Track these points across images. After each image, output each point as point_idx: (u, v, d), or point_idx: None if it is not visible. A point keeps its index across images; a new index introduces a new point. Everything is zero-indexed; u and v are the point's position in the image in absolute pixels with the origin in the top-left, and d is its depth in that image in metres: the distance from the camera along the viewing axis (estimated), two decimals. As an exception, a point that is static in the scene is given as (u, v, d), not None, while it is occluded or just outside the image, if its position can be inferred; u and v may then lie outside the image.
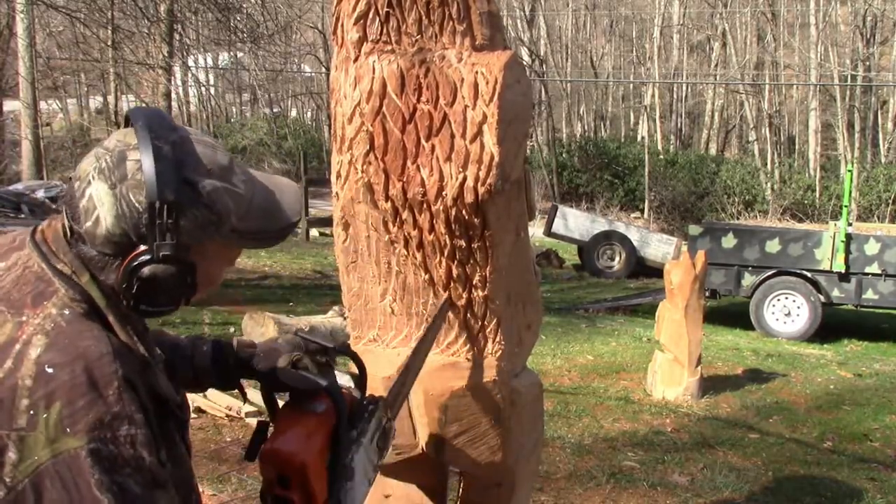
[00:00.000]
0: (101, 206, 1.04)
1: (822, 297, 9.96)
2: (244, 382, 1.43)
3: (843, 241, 9.77)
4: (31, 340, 1.00)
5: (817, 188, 23.41)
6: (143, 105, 1.21)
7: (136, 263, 1.05)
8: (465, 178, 1.57)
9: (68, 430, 0.96)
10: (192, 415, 4.00)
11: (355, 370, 1.40)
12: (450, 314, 1.80)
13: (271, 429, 1.23)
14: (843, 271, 9.81)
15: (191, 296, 1.11)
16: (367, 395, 1.35)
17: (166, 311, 1.10)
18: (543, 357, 6.86)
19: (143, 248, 1.05)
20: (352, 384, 1.42)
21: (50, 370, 0.98)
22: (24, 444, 0.96)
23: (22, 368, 0.98)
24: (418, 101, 1.57)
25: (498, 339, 1.81)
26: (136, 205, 1.04)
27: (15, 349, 1.00)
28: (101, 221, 1.04)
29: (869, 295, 9.85)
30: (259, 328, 6.12)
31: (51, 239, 1.11)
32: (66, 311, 1.04)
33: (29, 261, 1.09)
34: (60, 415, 0.96)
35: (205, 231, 1.08)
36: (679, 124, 33.91)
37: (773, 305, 10.15)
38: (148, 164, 1.03)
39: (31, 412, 0.96)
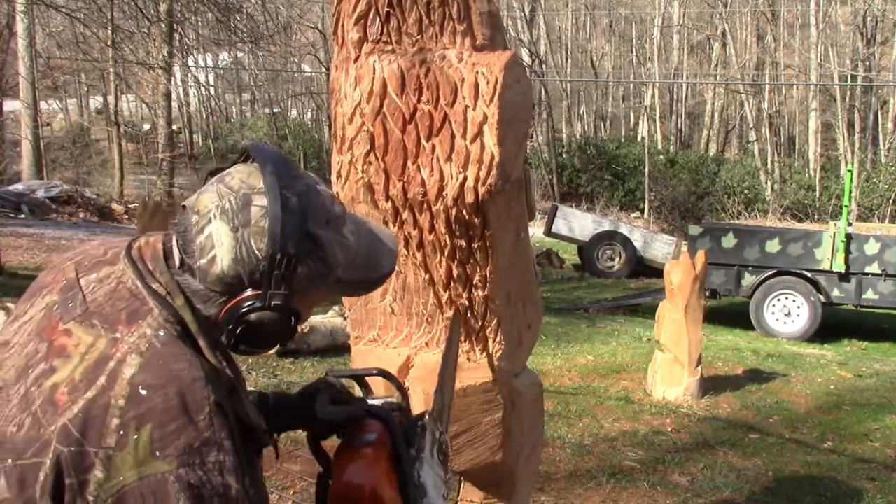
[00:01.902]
0: (219, 246, 1.04)
1: (822, 297, 9.96)
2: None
3: (843, 241, 9.77)
4: (126, 359, 1.00)
5: (817, 188, 23.41)
6: (264, 143, 1.23)
7: (245, 308, 1.06)
8: (465, 178, 1.57)
9: (157, 453, 0.96)
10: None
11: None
12: (450, 313, 1.80)
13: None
14: (843, 271, 9.82)
15: (288, 341, 1.12)
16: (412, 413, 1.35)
17: (261, 352, 1.12)
18: (543, 357, 6.86)
19: (251, 292, 1.06)
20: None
21: (143, 392, 0.98)
22: (111, 463, 0.95)
23: (115, 387, 0.98)
24: (419, 101, 1.57)
25: (498, 338, 1.81)
26: (257, 252, 1.04)
27: (109, 366, 1.00)
28: (218, 262, 1.04)
29: (869, 295, 9.85)
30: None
31: (148, 257, 1.11)
32: (161, 333, 1.04)
33: (123, 276, 1.09)
34: (151, 437, 0.96)
35: (313, 282, 1.10)
36: (679, 124, 33.91)
37: (773, 305, 10.15)
38: (275, 214, 1.03)
39: (122, 432, 0.96)
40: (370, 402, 1.29)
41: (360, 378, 1.36)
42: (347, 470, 1.17)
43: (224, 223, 1.04)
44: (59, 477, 0.95)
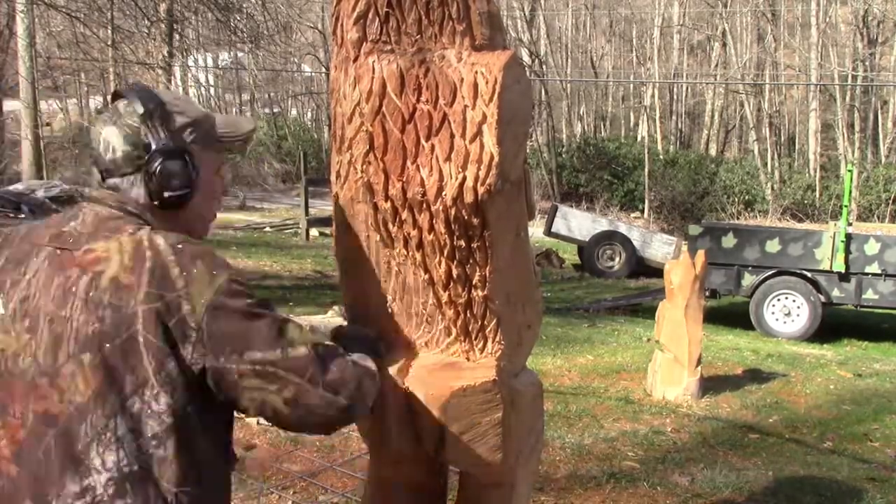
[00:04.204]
0: (112, 137, 1.38)
1: (822, 297, 9.96)
2: None
3: (843, 241, 9.78)
4: (152, 238, 1.32)
5: (817, 188, 23.42)
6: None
7: (148, 161, 1.37)
8: (464, 178, 1.57)
9: (215, 272, 1.31)
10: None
11: None
12: (449, 313, 1.80)
13: None
14: (843, 271, 9.82)
15: (196, 179, 1.40)
16: None
17: (185, 195, 1.39)
18: (543, 357, 6.86)
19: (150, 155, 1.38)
20: None
21: (180, 246, 1.32)
22: (190, 295, 1.28)
23: (161, 253, 1.30)
24: (418, 100, 1.57)
25: (498, 338, 1.81)
26: (134, 123, 1.38)
27: (144, 245, 1.30)
28: (117, 147, 1.38)
29: (869, 295, 9.86)
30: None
31: (109, 200, 1.38)
32: (152, 230, 1.36)
33: (96, 209, 1.36)
34: (206, 265, 1.31)
35: (188, 132, 1.42)
36: (679, 124, 33.92)
37: (773, 305, 10.15)
38: (134, 97, 1.39)
39: (184, 272, 1.29)
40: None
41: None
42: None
43: (107, 125, 1.39)
44: (164, 326, 1.26)
